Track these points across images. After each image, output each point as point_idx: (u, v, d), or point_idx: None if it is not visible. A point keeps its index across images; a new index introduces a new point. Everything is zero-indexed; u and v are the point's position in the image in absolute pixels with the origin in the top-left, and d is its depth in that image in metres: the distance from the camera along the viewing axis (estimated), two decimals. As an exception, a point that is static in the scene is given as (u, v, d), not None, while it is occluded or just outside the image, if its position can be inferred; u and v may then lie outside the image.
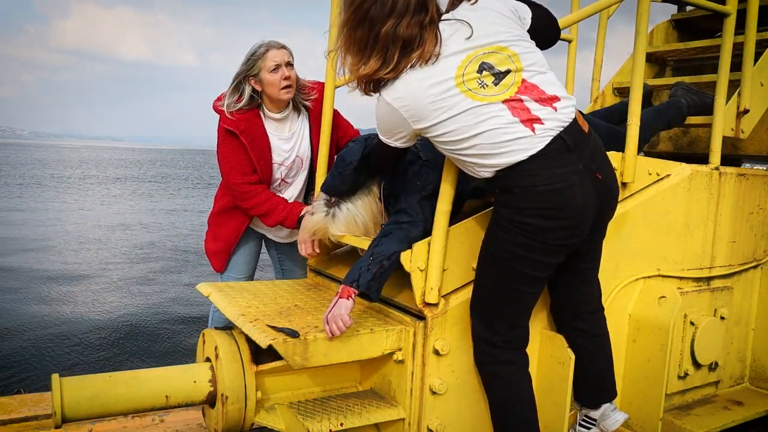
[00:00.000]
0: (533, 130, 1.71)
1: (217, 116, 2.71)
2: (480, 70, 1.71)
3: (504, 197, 1.79)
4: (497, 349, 1.94)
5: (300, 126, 2.81)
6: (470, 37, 1.73)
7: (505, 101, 1.71)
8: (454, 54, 1.72)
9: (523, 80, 1.74)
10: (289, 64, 2.65)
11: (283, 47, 2.65)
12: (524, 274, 1.84)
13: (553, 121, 1.73)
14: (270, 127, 2.73)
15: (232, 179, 2.68)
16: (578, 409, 2.23)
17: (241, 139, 2.63)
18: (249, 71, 2.63)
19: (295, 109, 2.81)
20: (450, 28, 1.74)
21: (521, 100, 1.72)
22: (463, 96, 1.70)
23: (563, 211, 1.75)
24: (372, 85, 1.80)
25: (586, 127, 1.83)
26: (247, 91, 2.65)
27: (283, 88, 2.64)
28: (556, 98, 1.76)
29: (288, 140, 2.77)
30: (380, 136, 1.90)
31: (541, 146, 1.71)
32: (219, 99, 2.72)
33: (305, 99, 2.79)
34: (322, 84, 2.69)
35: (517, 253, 1.80)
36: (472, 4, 1.78)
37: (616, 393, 2.23)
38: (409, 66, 1.72)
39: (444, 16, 1.77)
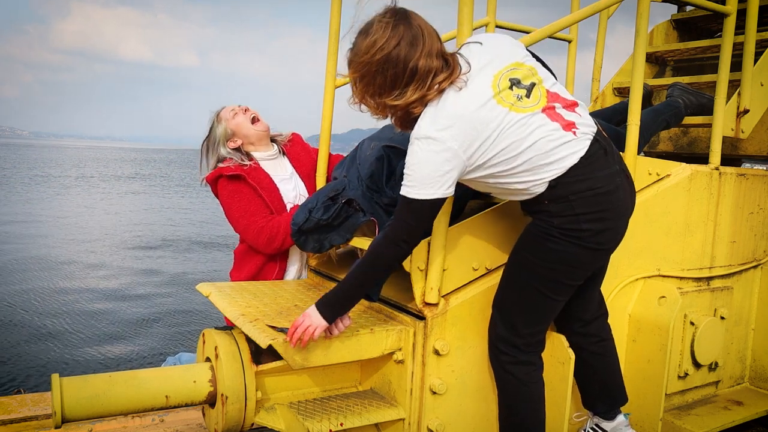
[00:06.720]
0: (574, 133, 1.75)
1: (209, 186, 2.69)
2: (511, 86, 1.73)
3: (557, 207, 1.76)
4: (518, 350, 1.94)
5: (291, 167, 2.80)
6: (490, 59, 1.75)
7: (542, 110, 1.74)
8: (482, 73, 1.73)
9: (547, 90, 1.78)
10: (246, 110, 2.69)
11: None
12: (565, 284, 1.86)
13: (585, 126, 1.77)
14: (269, 169, 2.68)
15: (254, 227, 2.51)
16: (590, 416, 2.22)
17: (249, 182, 2.56)
18: (217, 137, 2.63)
19: (280, 151, 2.81)
20: (468, 53, 1.76)
21: (553, 108, 1.75)
22: (506, 110, 1.70)
23: (612, 212, 1.78)
24: (408, 120, 1.76)
25: (604, 133, 1.88)
26: (224, 151, 2.63)
27: (253, 123, 2.67)
28: (575, 104, 1.81)
29: (288, 181, 2.73)
30: (417, 195, 1.69)
31: (585, 149, 1.74)
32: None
33: (281, 141, 2.82)
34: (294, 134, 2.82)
35: (569, 263, 1.81)
36: (480, 43, 1.81)
37: (627, 398, 2.22)
38: (445, 87, 1.69)
39: (458, 50, 1.79)
